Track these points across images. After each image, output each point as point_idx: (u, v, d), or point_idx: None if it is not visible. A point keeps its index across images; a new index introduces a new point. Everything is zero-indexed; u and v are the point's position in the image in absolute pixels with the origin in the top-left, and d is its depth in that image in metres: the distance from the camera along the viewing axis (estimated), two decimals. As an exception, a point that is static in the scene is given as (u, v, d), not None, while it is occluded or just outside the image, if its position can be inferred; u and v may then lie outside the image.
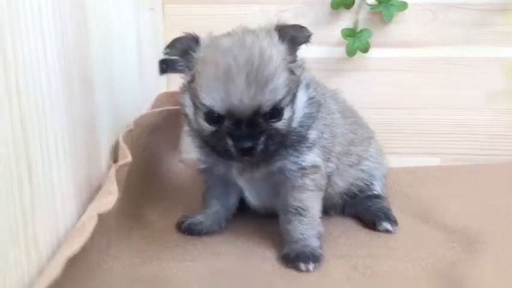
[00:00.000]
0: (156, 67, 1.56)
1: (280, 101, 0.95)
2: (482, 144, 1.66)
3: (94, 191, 1.01)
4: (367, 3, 1.53)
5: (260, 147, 0.95)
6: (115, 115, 1.16)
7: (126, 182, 1.10)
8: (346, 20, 1.58)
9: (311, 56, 1.58)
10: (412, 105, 1.65)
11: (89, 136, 0.98)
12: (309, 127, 1.06)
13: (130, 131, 1.18)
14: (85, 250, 0.88)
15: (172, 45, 1.03)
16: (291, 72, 0.98)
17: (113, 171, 0.96)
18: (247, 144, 0.94)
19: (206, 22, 1.59)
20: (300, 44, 1.01)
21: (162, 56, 1.61)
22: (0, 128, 0.67)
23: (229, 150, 0.96)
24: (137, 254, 1.09)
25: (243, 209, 1.26)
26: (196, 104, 1.00)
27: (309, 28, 1.55)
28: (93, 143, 1.01)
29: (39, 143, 0.78)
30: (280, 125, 0.98)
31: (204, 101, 0.96)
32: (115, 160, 1.11)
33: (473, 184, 1.50)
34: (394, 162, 1.62)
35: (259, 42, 0.95)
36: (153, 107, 1.46)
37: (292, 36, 0.99)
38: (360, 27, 1.53)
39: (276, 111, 0.96)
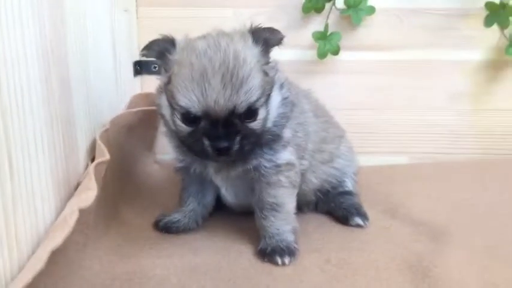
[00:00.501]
0: (130, 68, 1.56)
1: (255, 101, 0.98)
2: (447, 143, 1.74)
3: (72, 189, 1.02)
4: (336, 8, 1.58)
5: (236, 146, 0.98)
6: (92, 114, 1.17)
7: (103, 180, 1.11)
8: (317, 24, 1.62)
9: (284, 58, 1.62)
10: (380, 106, 1.71)
11: (67, 134, 0.99)
12: (283, 126, 1.09)
13: (106, 130, 1.19)
14: (64, 247, 0.89)
15: (149, 47, 1.04)
16: (265, 73, 1.01)
17: (91, 168, 0.97)
18: (223, 144, 0.96)
19: (180, 25, 1.62)
20: (273, 46, 1.04)
21: (136, 58, 1.62)
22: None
23: (205, 150, 0.98)
24: (115, 251, 1.10)
25: (219, 206, 1.28)
26: (173, 105, 1.02)
27: (282, 31, 1.62)
28: (71, 141, 1.02)
29: (19, 139, 0.79)
30: (255, 125, 1.01)
31: (180, 103, 0.98)
32: (92, 159, 1.12)
33: (438, 181, 1.56)
34: (364, 161, 1.68)
35: (234, 44, 0.98)
36: (128, 107, 1.47)
37: (266, 38, 1.02)
38: (330, 31, 1.58)
39: (251, 112, 0.99)
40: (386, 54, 1.67)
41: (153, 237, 1.19)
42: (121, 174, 1.35)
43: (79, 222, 0.95)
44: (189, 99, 0.96)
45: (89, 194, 0.87)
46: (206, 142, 0.97)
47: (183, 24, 1.63)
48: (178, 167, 1.22)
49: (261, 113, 1.01)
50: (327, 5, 1.58)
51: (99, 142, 1.08)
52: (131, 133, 1.40)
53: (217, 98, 0.94)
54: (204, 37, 1.03)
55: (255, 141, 1.02)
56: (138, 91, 1.62)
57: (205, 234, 1.21)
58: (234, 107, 0.95)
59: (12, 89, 0.76)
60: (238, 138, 0.97)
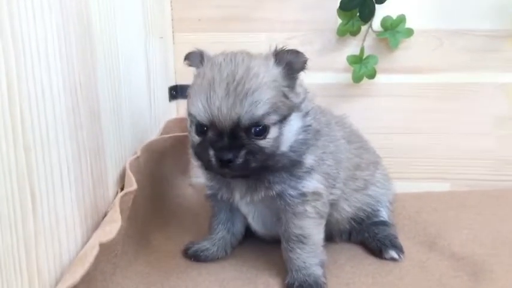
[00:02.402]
0: (166, 94, 1.58)
1: (262, 116, 0.95)
2: (492, 170, 1.65)
3: (100, 219, 1.03)
4: (373, 30, 1.54)
5: (239, 160, 0.95)
6: (123, 143, 1.19)
7: (132, 208, 1.12)
8: (352, 47, 1.59)
9: (319, 82, 1.63)
10: (420, 130, 1.65)
11: (95, 164, 1.01)
12: (301, 153, 1.05)
13: (137, 158, 1.20)
14: (89, 278, 0.90)
15: (187, 57, 1.09)
16: (284, 95, 0.99)
17: (117, 199, 0.98)
18: (227, 155, 0.94)
19: (215, 49, 1.62)
20: (298, 69, 1.03)
21: (172, 83, 1.64)
22: (3, 158, 0.69)
23: (210, 161, 0.97)
24: (142, 280, 1.10)
25: (249, 235, 1.27)
26: (188, 116, 1.03)
27: (316, 55, 1.62)
28: (99, 170, 1.04)
29: (43, 172, 0.80)
30: (263, 143, 0.98)
31: (190, 110, 1.00)
32: (122, 187, 1.13)
33: (482, 210, 1.48)
34: (403, 187, 1.62)
35: (250, 61, 0.98)
36: (162, 133, 1.49)
37: (289, 60, 1.01)
38: (366, 53, 1.54)
39: (259, 128, 0.97)
40: (425, 77, 1.61)
41: (182, 265, 1.19)
42: (153, 200, 1.36)
43: (107, 252, 0.96)
44: (197, 106, 0.97)
45: (112, 227, 0.87)
46: (211, 152, 0.96)
47: (218, 49, 1.63)
48: (208, 194, 1.22)
49: (272, 132, 0.99)
50: (363, 28, 1.54)
51: (128, 171, 1.09)
52: (164, 159, 1.41)
53: (221, 106, 0.94)
54: (227, 53, 1.04)
55: (263, 160, 0.99)
56: (173, 116, 1.64)
57: (234, 264, 1.20)
58: (238, 117, 0.94)
59: (36, 124, 0.78)
60: (243, 152, 0.95)
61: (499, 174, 1.64)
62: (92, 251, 0.79)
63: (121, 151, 1.18)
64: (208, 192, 1.22)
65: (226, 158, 0.94)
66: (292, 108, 1.02)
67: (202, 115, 0.97)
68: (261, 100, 0.94)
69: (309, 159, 1.07)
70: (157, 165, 1.37)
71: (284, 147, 1.02)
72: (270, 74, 0.98)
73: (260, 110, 0.94)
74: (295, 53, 1.01)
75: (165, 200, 1.47)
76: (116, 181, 1.14)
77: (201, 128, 1.00)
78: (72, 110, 0.90)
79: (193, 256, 1.21)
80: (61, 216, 0.86)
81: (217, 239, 1.23)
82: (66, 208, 0.88)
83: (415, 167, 1.68)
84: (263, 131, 0.97)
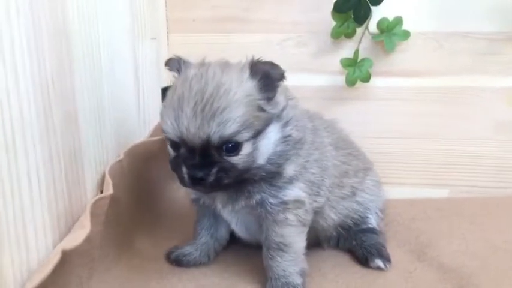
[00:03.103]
0: (157, 95, 1.57)
1: (232, 135, 0.93)
2: (492, 176, 1.60)
3: (75, 223, 1.02)
4: (369, 32, 1.51)
5: (210, 178, 0.94)
6: (105, 146, 1.18)
7: (113, 213, 1.11)
8: (348, 49, 1.55)
9: (314, 84, 1.61)
10: (417, 135, 1.61)
11: (69, 168, 1.00)
12: (280, 165, 1.03)
13: (119, 161, 1.19)
14: (64, 283, 0.89)
15: (167, 63, 1.07)
16: (259, 108, 0.96)
17: (88, 204, 0.97)
18: (198, 174, 0.93)
19: (210, 50, 1.58)
20: (275, 81, 0.98)
21: (165, 84, 1.63)
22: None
23: (183, 178, 0.96)
24: (120, 285, 1.09)
25: (234, 240, 1.25)
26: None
27: (311, 57, 1.59)
28: (75, 174, 1.03)
29: (7, 176, 0.79)
30: (236, 160, 0.96)
31: (163, 126, 0.98)
32: (102, 191, 1.12)
33: (479, 218, 1.43)
34: (400, 193, 1.59)
35: (221, 76, 0.95)
36: (152, 135, 1.48)
37: (265, 72, 0.97)
38: (361, 56, 1.51)
39: (231, 146, 0.94)
40: (423, 80, 1.57)
41: (163, 271, 1.18)
42: (140, 204, 1.35)
43: (81, 257, 0.95)
44: (166, 123, 0.96)
45: (79, 233, 0.86)
46: (184, 169, 0.95)
47: (213, 50, 1.58)
48: (192, 198, 1.21)
49: (246, 148, 0.96)
50: (359, 30, 1.51)
51: (106, 175, 1.08)
52: (152, 161, 1.40)
53: (188, 126, 0.92)
54: (201, 64, 1.01)
55: (236, 176, 0.97)
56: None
57: (215, 270, 1.19)
58: (207, 137, 0.92)
59: (0, 127, 0.77)
60: (214, 170, 0.94)
61: (499, 181, 1.60)
62: (53, 259, 0.78)
63: (102, 154, 1.17)
64: (193, 196, 1.21)
65: (198, 177, 0.93)
66: (270, 120, 0.98)
67: (172, 132, 0.95)
68: (231, 119, 0.92)
69: (288, 170, 1.04)
70: (144, 168, 1.36)
71: (261, 160, 0.99)
72: (243, 88, 0.95)
73: (229, 129, 0.92)
74: (271, 64, 0.97)
75: (153, 203, 1.46)
76: (95, 185, 1.13)
77: (174, 144, 0.98)
78: (44, 112, 0.89)
79: (176, 261, 1.20)
80: (28, 221, 0.85)
81: (200, 244, 1.22)
82: (35, 213, 0.87)
83: (412, 173, 1.65)
84: (235, 148, 0.95)
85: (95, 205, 0.98)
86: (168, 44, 1.66)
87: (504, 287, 1.06)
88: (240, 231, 1.19)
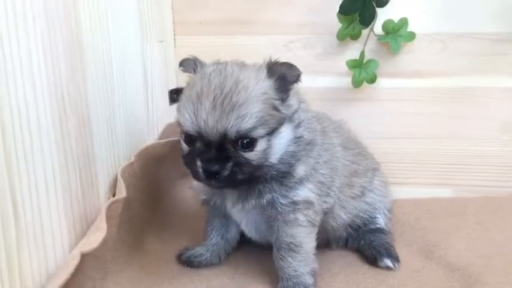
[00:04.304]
0: (165, 97, 1.59)
1: (249, 130, 0.95)
2: (497, 176, 1.61)
3: (90, 225, 1.04)
4: (374, 34, 1.52)
5: (225, 172, 0.96)
6: (116, 150, 1.20)
7: (125, 215, 1.13)
8: (354, 50, 1.57)
9: (320, 85, 1.62)
10: (422, 135, 1.62)
11: (84, 172, 1.01)
12: (291, 165, 1.05)
13: (131, 164, 1.21)
14: (78, 285, 0.91)
15: (181, 64, 1.10)
16: (274, 108, 0.99)
17: (103, 207, 0.98)
18: (213, 167, 0.95)
19: (217, 52, 1.60)
20: (291, 82, 1.02)
21: (172, 86, 1.64)
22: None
23: (198, 172, 0.97)
24: (133, 285, 1.10)
25: (244, 241, 1.26)
26: (178, 125, 1.04)
27: (317, 58, 1.60)
28: (89, 178, 1.04)
29: (26, 181, 0.81)
30: (251, 156, 0.98)
31: (179, 120, 1.00)
32: (114, 194, 1.14)
33: (482, 218, 1.45)
34: (406, 193, 1.61)
35: (239, 73, 0.98)
36: (161, 136, 1.50)
37: (281, 73, 1.00)
38: (367, 58, 1.52)
39: (247, 141, 0.97)
40: (429, 81, 1.58)
41: (175, 271, 1.19)
42: (150, 206, 1.37)
43: (96, 259, 0.97)
44: (184, 117, 0.98)
45: (96, 236, 0.88)
46: (198, 163, 0.97)
47: (220, 52, 1.59)
48: (202, 199, 1.22)
49: (260, 145, 0.98)
50: (365, 31, 1.52)
51: (119, 178, 1.10)
52: (162, 163, 1.42)
53: (207, 118, 0.94)
54: (218, 63, 1.04)
55: (250, 172, 0.99)
56: (173, 119, 1.64)
57: (226, 271, 1.20)
58: (224, 130, 0.94)
59: (18, 134, 0.79)
60: (229, 164, 0.96)
61: (504, 180, 1.61)
62: (72, 261, 0.80)
63: (114, 158, 1.19)
64: (203, 197, 1.22)
65: (213, 170, 0.95)
66: (283, 120, 1.01)
67: (189, 126, 0.97)
68: (248, 114, 0.94)
69: (299, 170, 1.06)
70: (154, 170, 1.37)
71: (273, 159, 1.01)
72: (260, 86, 0.97)
73: (247, 124, 0.94)
74: (289, 66, 1.00)
75: (161, 204, 1.47)
76: (108, 189, 1.15)
77: (190, 138, 1.00)
78: (59, 118, 0.91)
79: (187, 262, 1.22)
80: (46, 224, 0.87)
81: (211, 245, 1.24)
82: (52, 217, 0.88)
83: (418, 173, 1.66)
84: (250, 143, 0.97)
85: (110, 208, 1.00)
86: (174, 47, 1.67)
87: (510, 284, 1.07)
88: (250, 232, 1.20)
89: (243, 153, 0.97)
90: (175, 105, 1.64)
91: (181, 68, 1.11)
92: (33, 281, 0.83)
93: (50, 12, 0.88)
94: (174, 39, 1.67)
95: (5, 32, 0.76)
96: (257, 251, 1.25)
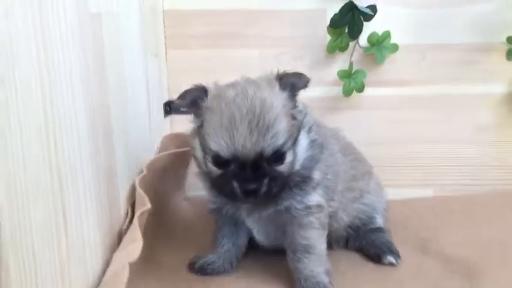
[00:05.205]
0: (161, 110, 1.61)
1: (282, 145, 1.02)
2: (474, 175, 1.74)
3: (115, 237, 1.06)
4: (359, 46, 1.62)
5: (264, 189, 1.01)
6: (130, 161, 1.22)
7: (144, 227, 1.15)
8: (340, 62, 1.66)
9: (309, 95, 1.67)
10: (405, 140, 1.73)
11: (110, 184, 1.04)
12: (311, 168, 1.12)
13: (144, 176, 1.23)
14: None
15: (183, 96, 1.09)
16: (292, 117, 1.05)
17: (136, 218, 1.01)
18: (252, 186, 1.00)
19: (207, 66, 1.68)
20: (300, 89, 1.09)
21: (166, 99, 1.67)
22: (41, 183, 0.72)
23: (234, 192, 1.02)
24: (152, 297, 1.12)
25: (252, 246, 1.30)
26: (205, 149, 1.07)
27: (306, 70, 1.67)
28: (113, 191, 1.07)
29: (72, 195, 0.83)
30: (282, 168, 1.04)
31: (211, 147, 1.03)
32: (132, 204, 1.16)
33: (466, 214, 1.56)
34: (391, 194, 1.70)
35: (261, 92, 1.03)
36: (160, 149, 1.52)
37: (292, 83, 1.06)
38: (354, 69, 1.61)
39: (278, 156, 1.03)
40: (410, 89, 1.69)
41: (189, 280, 1.21)
42: (155, 216, 1.38)
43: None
44: (219, 144, 1.01)
45: (135, 246, 0.90)
46: (235, 184, 1.01)
47: (210, 65, 1.68)
48: (212, 209, 1.26)
49: (288, 157, 1.05)
50: (351, 44, 1.61)
51: (139, 190, 1.12)
52: (164, 175, 1.44)
53: (245, 143, 0.98)
54: (233, 85, 1.08)
55: (282, 183, 1.06)
56: (168, 131, 1.67)
57: (240, 276, 1.23)
58: (261, 150, 0.99)
59: (66, 149, 0.81)
60: (265, 181, 1.01)
61: (480, 179, 1.74)
62: (123, 271, 0.82)
63: (129, 169, 1.21)
64: (212, 206, 1.25)
65: (251, 188, 1.00)
66: (300, 128, 1.07)
67: (225, 151, 1.01)
68: (280, 130, 1.00)
69: (316, 174, 1.13)
70: (159, 182, 1.39)
71: (297, 165, 1.08)
72: (280, 101, 1.03)
73: (280, 141, 1.00)
74: (298, 75, 1.07)
75: (164, 215, 1.49)
76: (126, 199, 1.17)
77: (222, 162, 1.04)
78: (92, 134, 0.93)
79: (200, 270, 1.24)
80: (86, 238, 0.88)
81: (222, 252, 1.26)
82: (90, 230, 0.90)
83: (400, 175, 1.75)
84: (280, 157, 1.03)
85: (139, 219, 1.02)
86: (166, 60, 1.70)
87: (505, 273, 1.17)
88: (261, 238, 1.25)
89: (275, 168, 1.03)
90: (168, 118, 1.69)
91: (180, 101, 1.10)
92: (78, 294, 0.85)
93: (84, 32, 0.91)
94: (166, 52, 1.70)
95: (55, 50, 0.78)
96: (265, 255, 1.29)
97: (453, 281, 1.16)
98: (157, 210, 1.40)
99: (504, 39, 1.61)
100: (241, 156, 0.99)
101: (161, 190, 1.45)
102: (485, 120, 1.71)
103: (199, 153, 1.12)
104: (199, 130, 1.09)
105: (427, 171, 1.75)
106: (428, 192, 1.77)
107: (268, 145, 0.99)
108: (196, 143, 1.12)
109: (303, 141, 1.09)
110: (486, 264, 1.21)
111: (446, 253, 1.30)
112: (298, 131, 1.07)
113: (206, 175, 1.14)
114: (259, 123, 0.98)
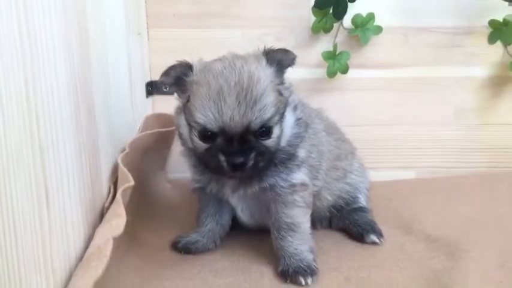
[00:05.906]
0: (143, 90, 1.59)
1: (269, 119, 1.01)
2: (454, 158, 1.77)
3: (98, 214, 1.04)
4: (343, 27, 1.61)
5: (250, 162, 1.01)
6: (113, 139, 1.20)
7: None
8: (324, 43, 1.66)
9: (293, 77, 1.67)
10: (388, 122, 1.74)
11: (92, 162, 1.02)
12: (296, 146, 1.12)
13: (127, 154, 1.21)
14: (83, 273, 0.90)
15: (167, 73, 1.08)
16: (279, 93, 1.05)
17: (119, 194, 0.99)
18: (239, 159, 1.00)
19: (190, 46, 1.66)
20: (287, 66, 1.08)
21: (148, 79, 1.65)
22: (22, 158, 0.70)
23: (221, 166, 1.01)
24: (136, 273, 1.11)
25: (236, 226, 1.30)
26: (191, 123, 1.06)
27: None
28: (95, 168, 1.05)
29: (54, 171, 0.81)
30: (269, 142, 1.04)
31: (198, 120, 1.02)
32: (114, 182, 1.14)
33: (447, 195, 1.58)
34: (373, 176, 1.71)
35: (248, 66, 1.02)
36: (143, 129, 1.50)
37: (279, 59, 1.06)
38: (338, 50, 1.61)
39: (265, 130, 1.03)
40: (393, 71, 1.70)
41: (173, 259, 1.21)
42: (137, 195, 1.37)
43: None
44: (206, 116, 1.00)
45: (118, 221, 0.89)
46: (222, 158, 1.01)
47: (193, 45, 1.66)
48: (195, 188, 1.25)
49: (275, 131, 1.05)
50: (335, 25, 1.61)
51: (121, 167, 1.10)
52: (146, 154, 1.42)
53: (233, 115, 0.98)
54: (220, 59, 1.07)
55: (269, 158, 1.06)
56: (150, 112, 1.65)
57: (224, 255, 1.23)
58: (249, 123, 0.99)
59: (48, 125, 0.79)
60: (252, 155, 1.01)
61: (460, 161, 1.76)
62: (106, 246, 0.81)
63: (111, 147, 1.19)
64: (196, 185, 1.24)
65: (238, 162, 0.99)
66: (286, 104, 1.07)
67: (213, 124, 1.00)
68: (268, 104, 1.00)
69: (301, 152, 1.13)
70: (141, 160, 1.38)
71: (283, 142, 1.07)
72: (267, 75, 1.03)
73: (268, 114, 1.00)
74: (284, 51, 1.07)
75: (146, 195, 1.48)
76: (108, 177, 1.15)
77: (207, 135, 1.03)
78: (74, 110, 0.91)
79: (184, 249, 1.24)
80: (69, 214, 0.87)
81: (206, 231, 1.26)
82: (72, 206, 0.88)
83: (383, 157, 1.77)
84: (268, 131, 1.03)
85: (122, 195, 1.00)
86: (148, 39, 1.67)
87: (489, 251, 1.19)
88: (245, 217, 1.25)
89: (262, 142, 1.02)
90: (151, 98, 1.67)
91: (164, 78, 1.08)
92: (60, 271, 0.83)
93: (67, 8, 0.88)
94: (148, 31, 1.67)
95: (36, 22, 0.75)
96: (248, 235, 1.29)
97: (436, 259, 1.18)
98: (140, 189, 1.39)
99: (486, 23, 1.63)
100: (229, 129, 0.99)
101: (144, 169, 1.43)
102: (466, 103, 1.74)
103: (184, 129, 1.11)
104: (184, 106, 1.08)
105: (409, 153, 1.77)
106: (411, 174, 1.79)
107: (256, 118, 0.98)
108: (181, 120, 1.11)
109: (289, 118, 1.09)
110: (467, 242, 1.23)
111: (428, 232, 1.32)
112: (285, 108, 1.06)
113: (191, 152, 1.13)
114: (247, 95, 0.98)
